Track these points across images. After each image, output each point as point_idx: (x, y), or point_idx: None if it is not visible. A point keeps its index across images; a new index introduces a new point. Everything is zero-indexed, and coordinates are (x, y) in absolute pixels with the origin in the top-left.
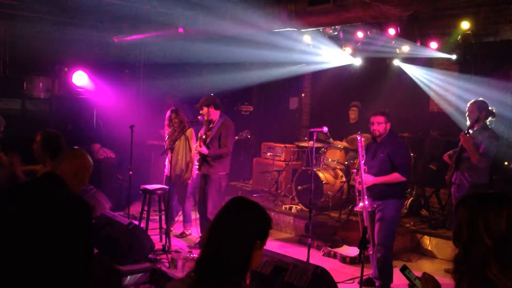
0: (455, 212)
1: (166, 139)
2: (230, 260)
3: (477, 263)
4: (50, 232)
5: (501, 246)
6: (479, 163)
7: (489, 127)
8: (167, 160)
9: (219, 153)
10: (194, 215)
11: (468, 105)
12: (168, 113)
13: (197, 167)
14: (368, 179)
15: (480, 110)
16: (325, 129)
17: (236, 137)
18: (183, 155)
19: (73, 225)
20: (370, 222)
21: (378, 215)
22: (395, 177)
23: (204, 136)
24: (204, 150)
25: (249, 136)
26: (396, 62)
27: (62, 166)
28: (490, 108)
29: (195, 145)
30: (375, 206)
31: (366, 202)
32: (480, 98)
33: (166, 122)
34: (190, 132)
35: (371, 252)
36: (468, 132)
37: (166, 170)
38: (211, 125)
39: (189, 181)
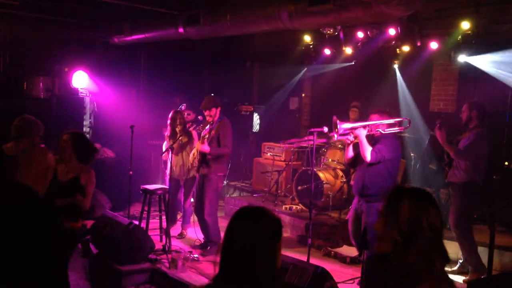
0: (389, 206)
1: (166, 139)
2: (261, 271)
3: (418, 255)
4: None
5: (439, 240)
6: (457, 158)
7: (482, 126)
8: (169, 160)
9: (220, 152)
10: (193, 217)
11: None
12: (172, 113)
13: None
14: (361, 131)
15: (471, 109)
16: (325, 129)
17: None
18: (189, 155)
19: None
20: (354, 221)
21: (363, 218)
22: (368, 148)
23: (207, 135)
24: (206, 147)
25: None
26: (395, 66)
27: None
28: (484, 108)
29: (197, 143)
30: (361, 206)
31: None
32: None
33: (169, 121)
34: (195, 133)
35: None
36: (440, 127)
37: (168, 170)
38: (209, 126)
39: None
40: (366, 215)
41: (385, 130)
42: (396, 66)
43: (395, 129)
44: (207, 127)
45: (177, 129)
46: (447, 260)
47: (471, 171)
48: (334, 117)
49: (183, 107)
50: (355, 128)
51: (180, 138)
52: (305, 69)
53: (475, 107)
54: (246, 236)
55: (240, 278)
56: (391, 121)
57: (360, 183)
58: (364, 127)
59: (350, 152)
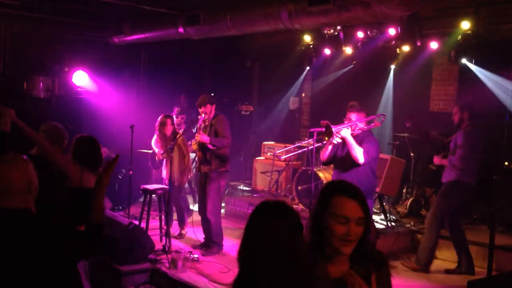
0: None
1: (155, 144)
2: (290, 267)
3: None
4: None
5: None
6: (457, 165)
7: (471, 126)
8: (164, 164)
9: (220, 141)
10: (191, 218)
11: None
12: (161, 118)
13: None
14: (346, 132)
15: (462, 111)
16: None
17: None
18: (177, 163)
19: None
20: None
21: None
22: (359, 149)
23: (203, 125)
24: (206, 138)
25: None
26: (391, 67)
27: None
28: (475, 109)
29: (196, 136)
30: None
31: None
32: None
33: (158, 125)
34: (182, 139)
35: None
36: (438, 155)
37: (165, 175)
38: (207, 123)
39: (184, 186)
40: None
41: (366, 127)
42: (392, 67)
43: (373, 125)
44: (200, 120)
45: (167, 134)
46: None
47: (463, 172)
48: (326, 122)
49: (175, 110)
50: (340, 130)
51: (177, 139)
52: (308, 68)
53: (467, 108)
54: (274, 232)
55: (266, 277)
56: (370, 118)
57: None
58: (348, 127)
59: (329, 152)
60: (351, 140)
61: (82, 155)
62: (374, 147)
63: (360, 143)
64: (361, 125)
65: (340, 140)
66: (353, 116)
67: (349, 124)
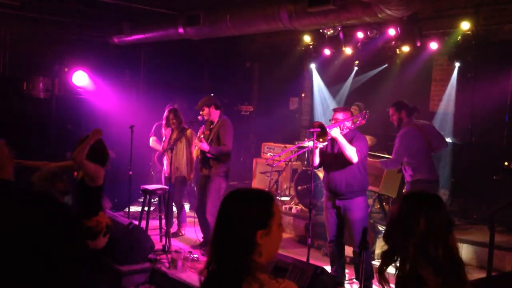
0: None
1: (163, 139)
2: (232, 253)
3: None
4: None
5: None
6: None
7: (408, 124)
8: (165, 161)
9: (219, 150)
10: (194, 219)
11: (389, 110)
12: (166, 113)
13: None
14: (336, 131)
15: (399, 111)
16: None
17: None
18: (183, 156)
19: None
20: (338, 222)
21: (347, 216)
22: (352, 148)
23: (202, 135)
24: (205, 146)
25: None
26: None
27: None
28: (409, 105)
29: (195, 141)
30: (344, 205)
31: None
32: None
33: (164, 121)
34: (190, 132)
35: (331, 249)
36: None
37: (166, 171)
38: (211, 126)
39: (189, 181)
40: (352, 212)
41: (352, 126)
42: (385, 65)
43: (358, 123)
44: (201, 128)
45: (172, 127)
46: None
47: (414, 172)
48: (319, 122)
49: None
50: (330, 130)
51: (179, 137)
52: (307, 68)
53: (402, 107)
54: (235, 219)
55: (225, 262)
56: (355, 116)
57: (343, 183)
58: (337, 126)
59: (318, 157)
60: (342, 140)
61: (93, 152)
62: (364, 144)
63: (350, 142)
64: (348, 124)
65: (326, 143)
66: (339, 115)
67: (338, 123)
